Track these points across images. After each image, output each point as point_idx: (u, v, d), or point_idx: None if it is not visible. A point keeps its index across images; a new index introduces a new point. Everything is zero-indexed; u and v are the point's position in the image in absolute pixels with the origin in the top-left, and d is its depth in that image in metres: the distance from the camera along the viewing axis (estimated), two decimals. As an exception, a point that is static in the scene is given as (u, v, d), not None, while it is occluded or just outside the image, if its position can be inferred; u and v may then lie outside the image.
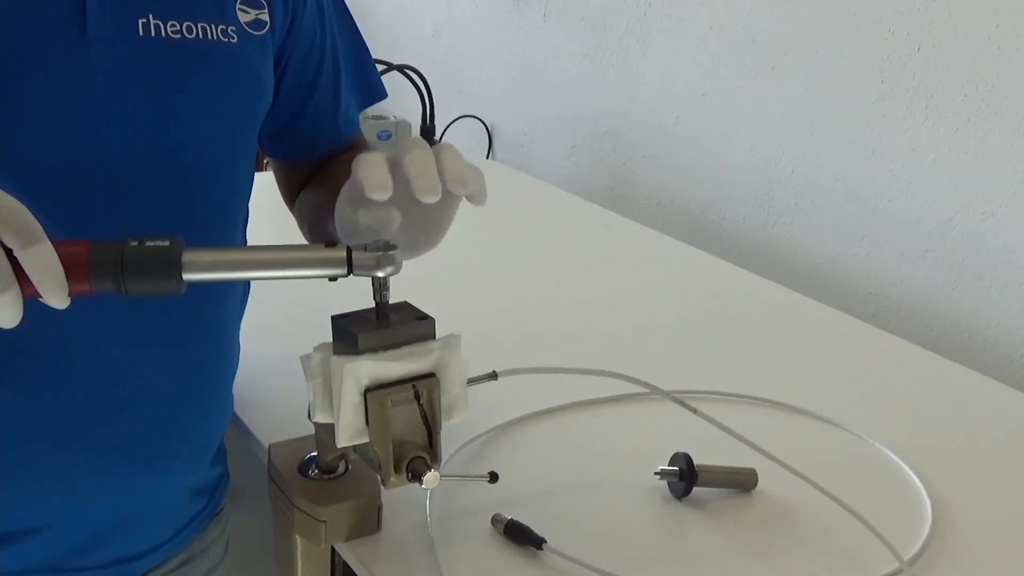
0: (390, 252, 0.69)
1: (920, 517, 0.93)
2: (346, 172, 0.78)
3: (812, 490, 0.88)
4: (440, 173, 0.71)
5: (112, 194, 0.78)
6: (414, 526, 0.87)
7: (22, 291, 0.62)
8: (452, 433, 0.93)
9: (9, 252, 0.60)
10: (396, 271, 0.70)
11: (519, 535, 0.85)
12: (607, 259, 1.62)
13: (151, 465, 0.88)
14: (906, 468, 1.01)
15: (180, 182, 0.83)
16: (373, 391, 0.70)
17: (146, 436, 0.86)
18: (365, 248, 0.69)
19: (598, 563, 0.82)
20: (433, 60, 2.51)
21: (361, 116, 2.19)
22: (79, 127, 0.76)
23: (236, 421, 1.03)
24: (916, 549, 0.88)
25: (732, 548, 0.88)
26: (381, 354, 0.70)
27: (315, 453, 0.86)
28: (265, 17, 0.87)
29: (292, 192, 1.05)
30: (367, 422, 0.71)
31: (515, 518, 0.86)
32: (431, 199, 0.70)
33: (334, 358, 0.70)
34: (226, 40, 0.83)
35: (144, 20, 0.78)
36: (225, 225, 0.89)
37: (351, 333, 0.70)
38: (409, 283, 0.76)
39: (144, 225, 0.76)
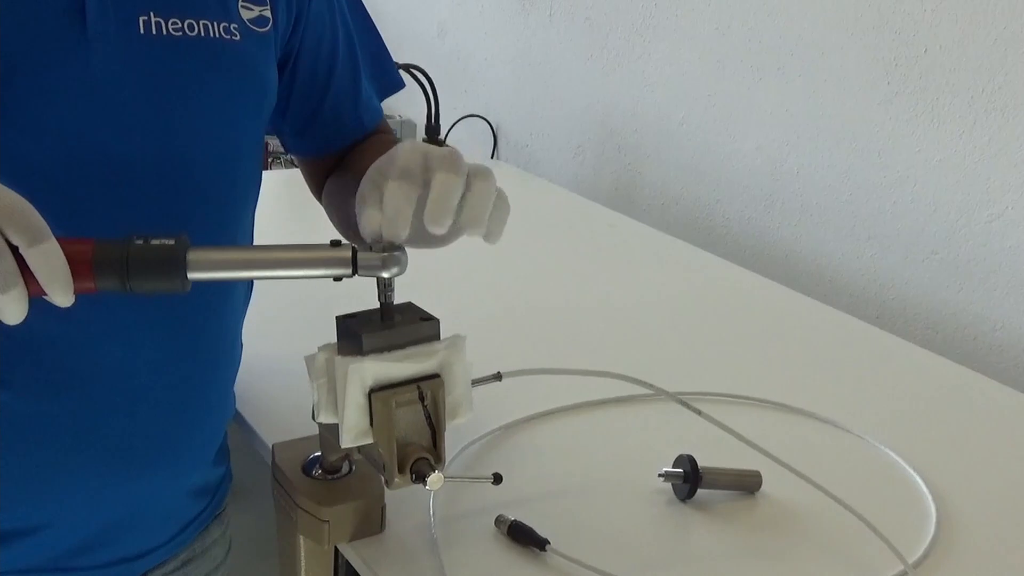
0: (395, 253, 0.69)
1: (924, 520, 0.93)
2: (371, 158, 0.78)
3: (816, 492, 0.88)
4: (461, 204, 0.70)
5: (112, 192, 0.78)
6: (417, 527, 0.86)
7: (27, 289, 0.62)
8: (456, 433, 0.93)
9: (15, 250, 0.60)
10: (401, 272, 0.70)
11: (523, 536, 0.85)
12: (612, 260, 1.62)
13: (152, 464, 0.87)
14: (910, 471, 1.01)
15: (181, 181, 0.82)
16: (377, 392, 0.70)
17: (147, 435, 0.86)
18: (370, 248, 0.69)
19: (602, 565, 0.82)
20: (439, 60, 2.51)
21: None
22: (79, 125, 0.76)
23: (239, 420, 1.03)
24: (920, 552, 0.88)
25: (736, 550, 0.88)
26: (385, 355, 0.70)
27: (319, 453, 0.86)
28: (268, 14, 0.86)
29: (319, 184, 1.04)
30: (371, 423, 0.71)
31: (519, 519, 0.86)
32: (437, 231, 0.69)
33: (338, 359, 0.70)
34: (228, 38, 0.83)
35: (145, 18, 0.78)
36: (229, 224, 0.89)
37: (355, 334, 0.70)
38: (414, 283, 0.76)
39: (145, 224, 0.76)
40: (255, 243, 0.94)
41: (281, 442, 0.90)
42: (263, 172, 0.95)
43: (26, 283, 0.62)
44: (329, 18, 0.95)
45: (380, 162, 0.73)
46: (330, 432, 0.77)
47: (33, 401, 0.80)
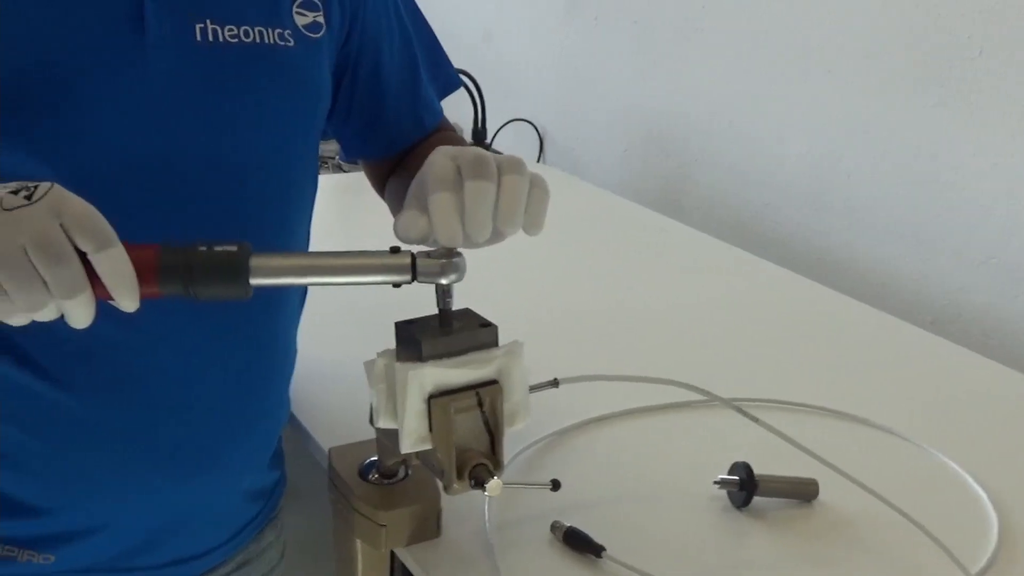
0: (454, 259, 0.69)
1: (986, 530, 0.91)
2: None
3: (874, 501, 0.87)
4: (496, 204, 0.70)
5: (168, 196, 0.80)
6: (473, 532, 0.87)
7: (94, 293, 0.63)
8: (511, 438, 0.92)
9: (83, 255, 0.62)
10: (460, 278, 0.70)
11: (578, 542, 0.85)
12: (660, 263, 1.61)
13: (207, 467, 0.89)
14: (969, 479, 0.99)
15: (237, 184, 0.84)
16: (436, 398, 0.70)
17: (202, 438, 0.88)
18: (429, 255, 0.69)
19: (657, 572, 0.82)
20: (484, 64, 2.51)
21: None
22: (137, 130, 0.78)
23: (296, 425, 1.04)
24: (983, 563, 0.86)
25: (793, 559, 0.87)
26: (445, 361, 0.71)
27: (375, 457, 0.87)
28: (321, 19, 0.87)
29: (381, 184, 1.05)
30: (430, 429, 0.71)
31: (574, 525, 0.86)
32: (478, 239, 0.70)
33: (398, 365, 0.71)
34: (283, 44, 0.84)
35: (202, 25, 0.80)
36: (284, 228, 0.90)
37: (415, 340, 0.71)
38: (469, 289, 0.76)
39: (200, 226, 0.77)
40: (309, 247, 0.95)
41: (338, 446, 0.91)
42: (320, 176, 0.96)
43: (93, 287, 0.63)
44: (385, 21, 0.96)
45: (419, 173, 0.74)
46: (388, 437, 0.77)
47: (91, 403, 0.82)
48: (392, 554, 0.86)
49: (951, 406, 1.16)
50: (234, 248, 0.67)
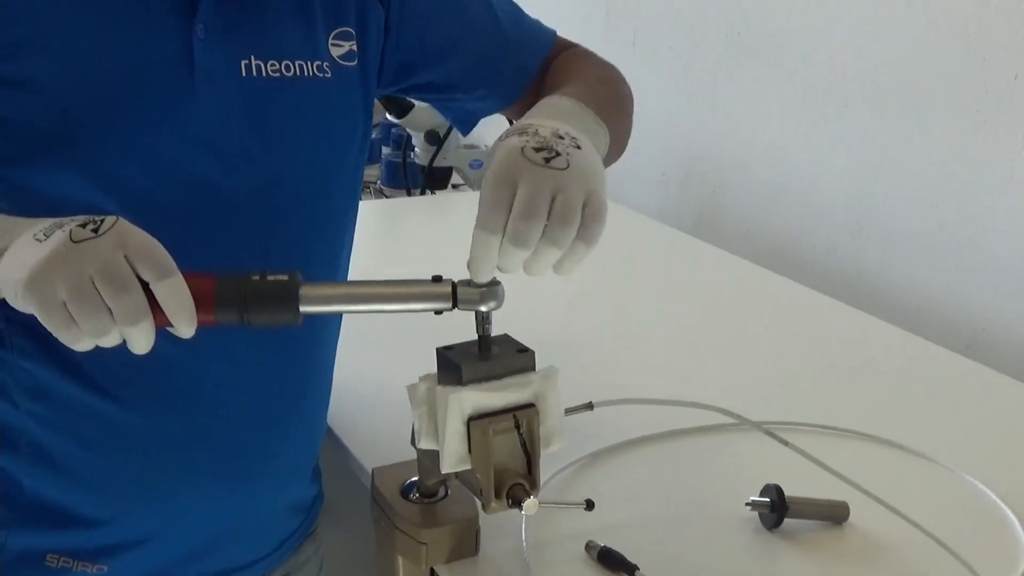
0: (493, 288, 0.73)
1: (1016, 554, 0.93)
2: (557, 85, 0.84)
3: (905, 525, 0.88)
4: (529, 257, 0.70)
5: (215, 221, 0.84)
6: (510, 550, 0.90)
7: (155, 321, 0.67)
8: (547, 459, 0.95)
9: (144, 284, 0.66)
10: (498, 306, 0.74)
11: (613, 562, 0.88)
12: (697, 288, 1.63)
13: (253, 479, 0.93)
14: (1002, 505, 1.00)
15: (280, 210, 0.88)
16: (476, 420, 0.74)
17: (248, 451, 0.92)
18: (469, 284, 0.73)
19: (690, 591, 0.84)
20: (523, 90, 2.56)
21: (456, 144, 2.22)
22: (187, 159, 0.82)
23: (338, 445, 1.08)
24: (1012, 587, 0.88)
25: (823, 580, 0.89)
26: (483, 385, 0.74)
27: (417, 478, 0.90)
28: (355, 48, 0.91)
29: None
30: (470, 450, 0.74)
31: (608, 545, 0.89)
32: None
33: (439, 388, 0.74)
34: (321, 76, 0.88)
35: (246, 61, 0.84)
36: (325, 251, 0.94)
37: (455, 364, 0.74)
38: (508, 314, 0.79)
39: (247, 249, 0.82)
40: (350, 269, 0.99)
41: (381, 466, 0.94)
42: (361, 202, 1.00)
43: (154, 315, 0.67)
44: (439, 10, 0.97)
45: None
46: (428, 458, 0.81)
47: (142, 417, 0.86)
48: (432, 571, 0.89)
49: (986, 431, 1.17)
50: (285, 277, 0.71)
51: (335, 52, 0.90)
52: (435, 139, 2.11)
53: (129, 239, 0.66)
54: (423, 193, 2.16)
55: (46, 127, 0.78)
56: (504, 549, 0.90)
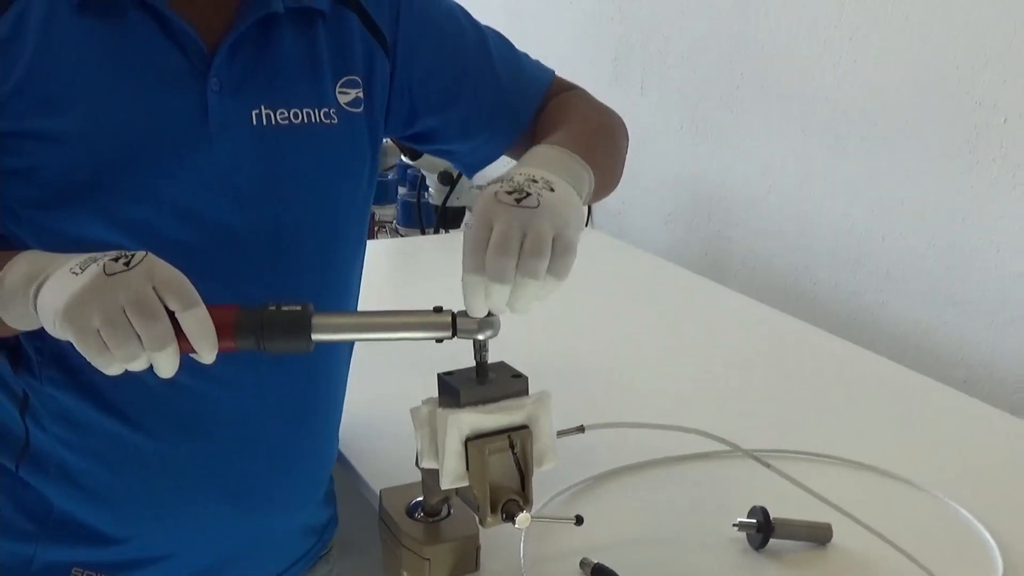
0: (489, 318, 0.79)
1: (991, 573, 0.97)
2: (544, 132, 0.90)
3: (886, 547, 0.93)
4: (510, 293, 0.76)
5: (228, 258, 0.90)
6: (509, 567, 0.95)
7: (179, 347, 0.73)
8: (545, 484, 1.02)
9: (171, 314, 0.72)
10: (495, 334, 0.80)
11: (605, 578, 0.93)
12: (699, 322, 1.68)
13: (266, 501, 0.99)
14: (982, 529, 1.04)
15: (292, 247, 0.94)
16: (473, 440, 0.80)
17: (262, 475, 0.98)
18: (468, 314, 0.79)
19: (678, 606, 0.89)
20: (536, 132, 2.63)
21: (468, 185, 2.29)
22: (204, 203, 0.89)
23: (349, 469, 1.14)
24: (987, 605, 0.92)
25: (807, 598, 0.94)
26: (480, 407, 0.80)
27: (421, 498, 0.95)
28: (361, 95, 0.97)
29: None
30: (467, 468, 0.80)
31: (601, 562, 0.94)
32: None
33: (439, 411, 0.80)
34: (328, 122, 0.95)
35: (257, 111, 0.91)
36: (333, 288, 1.00)
37: (454, 389, 0.80)
38: (506, 343, 0.85)
39: (261, 284, 0.88)
40: (359, 306, 1.05)
41: (388, 488, 1.00)
42: (367, 241, 1.06)
43: (178, 342, 0.73)
44: (439, 59, 1.02)
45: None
46: (432, 477, 0.86)
47: (161, 442, 0.93)
48: (435, 587, 0.94)
49: (970, 460, 1.21)
50: (299, 308, 0.77)
51: (342, 99, 0.96)
52: (448, 180, 2.18)
53: (157, 272, 0.73)
54: (436, 232, 2.23)
55: (74, 176, 0.85)
56: (503, 566, 0.95)
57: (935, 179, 1.69)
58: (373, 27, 0.97)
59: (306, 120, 0.93)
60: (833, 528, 1.00)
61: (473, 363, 0.82)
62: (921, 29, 1.67)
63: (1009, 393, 1.58)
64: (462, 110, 1.04)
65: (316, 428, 1.02)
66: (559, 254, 0.76)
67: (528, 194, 0.77)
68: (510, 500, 0.80)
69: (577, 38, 2.52)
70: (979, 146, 1.61)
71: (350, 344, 1.07)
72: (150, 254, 0.74)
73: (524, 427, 0.81)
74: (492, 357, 0.82)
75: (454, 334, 0.79)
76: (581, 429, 0.91)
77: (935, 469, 1.16)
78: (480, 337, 0.79)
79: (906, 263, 1.75)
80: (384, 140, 1.05)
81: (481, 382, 0.81)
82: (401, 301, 0.84)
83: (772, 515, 0.99)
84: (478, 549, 0.94)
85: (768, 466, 0.92)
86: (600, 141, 0.99)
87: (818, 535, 1.00)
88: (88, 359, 0.72)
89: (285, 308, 0.77)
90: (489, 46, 1.05)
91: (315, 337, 0.78)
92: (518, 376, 0.82)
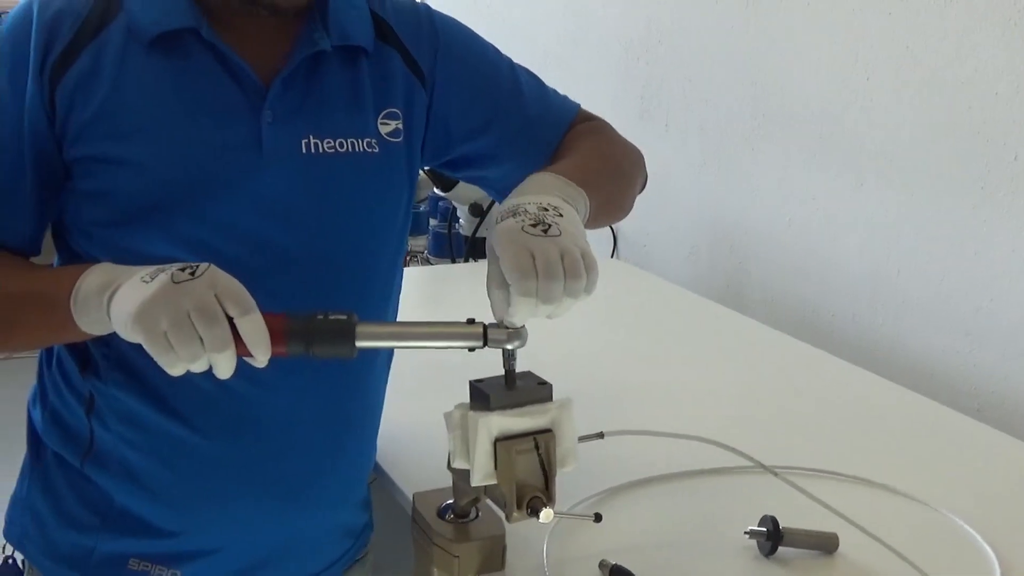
0: (518, 329, 0.86)
1: (992, 584, 1.02)
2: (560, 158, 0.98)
3: (889, 554, 0.99)
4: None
5: (281, 274, 0.98)
6: (533, 566, 1.01)
7: (236, 350, 0.81)
8: (569, 492, 1.08)
9: (230, 319, 0.80)
10: (522, 345, 0.87)
11: (622, 577, 0.99)
12: (721, 349, 1.74)
13: (306, 501, 1.06)
14: (982, 541, 1.09)
15: (332, 265, 1.02)
16: (501, 441, 0.87)
17: (306, 475, 1.06)
18: (498, 326, 0.86)
19: (691, 605, 0.95)
20: (563, 167, 2.71)
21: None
22: (257, 224, 0.97)
23: (384, 476, 1.21)
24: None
25: (813, 601, 1.00)
26: (508, 411, 0.87)
27: (451, 500, 1.02)
28: (401, 126, 1.05)
29: None
30: (496, 467, 0.87)
31: (620, 564, 1.00)
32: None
33: (471, 413, 0.87)
34: (369, 151, 1.03)
35: (306, 140, 0.99)
36: (370, 305, 1.07)
37: (485, 394, 0.87)
38: (536, 358, 0.92)
39: (298, 301, 0.95)
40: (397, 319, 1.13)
41: (420, 492, 1.07)
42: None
43: (236, 346, 0.81)
44: (472, 95, 1.10)
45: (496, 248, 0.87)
46: (462, 479, 0.93)
47: (214, 442, 1.01)
48: (464, 584, 1.01)
49: (977, 479, 1.26)
50: (344, 317, 0.85)
51: (383, 130, 1.04)
52: (478, 211, 2.27)
53: (219, 281, 0.81)
54: (466, 261, 2.31)
55: (142, 199, 0.94)
56: (528, 565, 1.02)
57: (948, 215, 1.74)
58: (413, 64, 1.06)
59: (350, 149, 1.01)
60: (839, 538, 1.06)
61: (501, 372, 0.89)
62: (935, 72, 1.74)
63: (1020, 420, 1.63)
64: (493, 140, 1.11)
65: (355, 432, 1.09)
66: (589, 269, 0.85)
67: (549, 224, 0.86)
68: (535, 497, 0.87)
69: (605, 78, 2.61)
70: (990, 183, 1.67)
71: (388, 358, 1.14)
72: (213, 265, 0.82)
73: (548, 430, 0.88)
74: (521, 368, 0.89)
75: (485, 343, 0.86)
76: (600, 435, 0.98)
77: (938, 485, 1.21)
78: (509, 347, 0.87)
79: (920, 295, 1.81)
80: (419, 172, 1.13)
81: (509, 388, 0.88)
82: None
83: (781, 525, 1.05)
84: (504, 549, 1.00)
85: (775, 474, 0.98)
86: (603, 168, 1.06)
87: (825, 544, 1.05)
88: (155, 359, 0.80)
89: (332, 317, 0.85)
90: (520, 81, 1.13)
91: (359, 344, 0.85)
92: (543, 384, 0.89)
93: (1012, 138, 1.62)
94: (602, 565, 1.01)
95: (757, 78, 2.13)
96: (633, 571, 0.99)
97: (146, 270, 0.83)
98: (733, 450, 1.01)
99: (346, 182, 1.01)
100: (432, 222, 2.47)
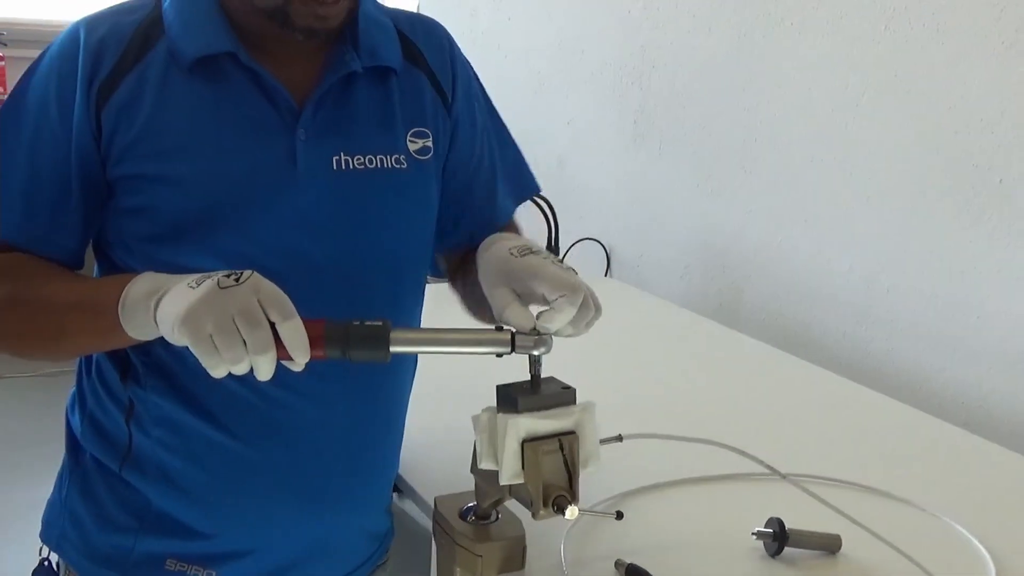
0: (544, 336, 0.91)
1: (987, 582, 1.08)
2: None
3: (890, 555, 1.04)
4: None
5: (308, 284, 1.01)
6: (552, 565, 1.06)
7: (277, 354, 0.85)
8: (589, 494, 1.13)
9: (271, 324, 0.84)
10: (548, 351, 0.92)
11: (638, 576, 1.03)
12: (716, 366, 1.80)
13: (338, 504, 1.10)
14: (978, 544, 1.15)
15: (360, 277, 1.06)
16: (528, 442, 0.91)
17: (335, 480, 1.10)
18: (524, 334, 0.91)
19: (703, 601, 1.00)
20: (558, 188, 2.76)
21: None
22: (292, 237, 1.02)
23: (404, 484, 1.25)
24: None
25: (819, 599, 1.04)
26: (535, 414, 0.91)
27: (473, 503, 1.06)
28: (430, 144, 1.10)
29: (451, 269, 1.22)
30: (523, 466, 0.91)
31: (635, 563, 1.05)
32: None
33: (500, 415, 0.92)
34: (399, 167, 1.07)
35: (338, 157, 1.04)
36: (398, 312, 1.11)
37: (512, 397, 0.92)
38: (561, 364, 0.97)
39: (328, 310, 0.99)
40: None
41: (441, 496, 1.11)
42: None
43: (276, 349, 0.85)
44: (473, 131, 1.16)
45: (522, 271, 0.96)
46: (486, 481, 0.98)
47: (248, 446, 1.05)
48: (485, 583, 1.05)
49: (969, 484, 1.32)
50: (379, 323, 0.90)
51: (412, 147, 1.08)
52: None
53: (262, 288, 0.85)
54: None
55: (182, 214, 0.99)
56: (547, 564, 1.06)
57: (936, 235, 1.81)
58: (439, 87, 1.11)
59: (379, 165, 1.06)
60: (842, 539, 1.11)
61: (527, 377, 0.93)
62: (923, 97, 1.81)
63: (1006, 436, 1.68)
64: (462, 185, 1.16)
65: (382, 437, 1.14)
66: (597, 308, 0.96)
67: (540, 249, 0.98)
68: (559, 495, 0.91)
69: (600, 103, 2.67)
70: (976, 205, 1.73)
71: (413, 369, 1.18)
72: (256, 273, 0.86)
73: (572, 432, 0.93)
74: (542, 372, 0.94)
75: (513, 349, 0.91)
76: (619, 438, 1.02)
77: (933, 491, 1.27)
78: (535, 353, 0.92)
79: (910, 313, 1.87)
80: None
81: (535, 392, 0.92)
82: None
83: (787, 526, 1.10)
84: (524, 549, 1.04)
85: (783, 476, 1.03)
86: None
87: (828, 544, 1.11)
88: (200, 360, 0.84)
89: (367, 323, 0.90)
90: (496, 173, 1.19)
91: (393, 349, 0.90)
92: (567, 388, 0.94)
93: (998, 162, 1.69)
94: (618, 564, 1.05)
95: (749, 103, 2.20)
96: (648, 570, 1.04)
97: (192, 277, 0.87)
98: (746, 455, 1.06)
99: (375, 197, 1.06)
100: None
